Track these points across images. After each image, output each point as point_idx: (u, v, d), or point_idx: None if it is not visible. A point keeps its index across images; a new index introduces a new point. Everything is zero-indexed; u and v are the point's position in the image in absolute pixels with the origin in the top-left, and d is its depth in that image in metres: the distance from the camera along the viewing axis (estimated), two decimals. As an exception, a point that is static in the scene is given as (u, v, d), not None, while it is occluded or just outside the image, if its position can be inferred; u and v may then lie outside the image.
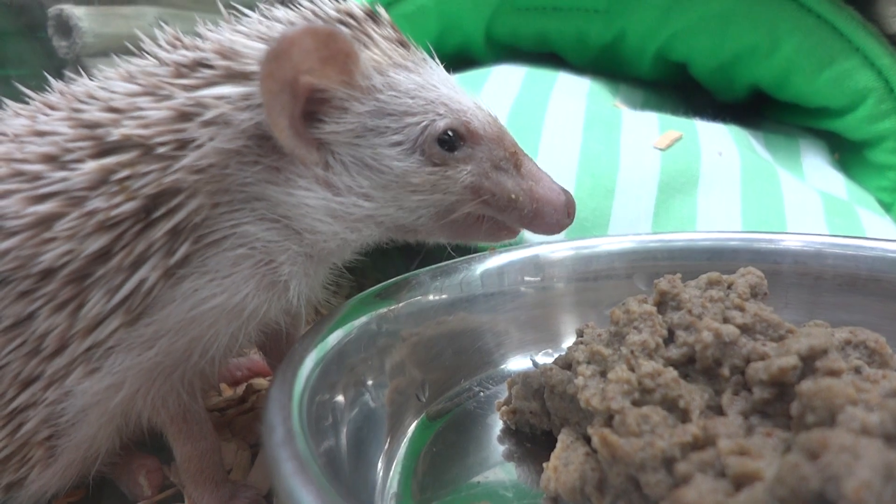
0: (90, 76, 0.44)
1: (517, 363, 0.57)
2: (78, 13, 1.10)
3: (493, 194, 0.42)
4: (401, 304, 0.52)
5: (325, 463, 0.36)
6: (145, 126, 0.37)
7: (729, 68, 0.91)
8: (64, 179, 0.37)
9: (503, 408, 0.50)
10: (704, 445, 0.34)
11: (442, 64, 0.45)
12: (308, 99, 0.38)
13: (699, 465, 0.33)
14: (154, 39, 0.42)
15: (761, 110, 1.03)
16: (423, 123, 0.40)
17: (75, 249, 0.37)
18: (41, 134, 0.40)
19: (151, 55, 0.41)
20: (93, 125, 0.38)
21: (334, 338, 0.45)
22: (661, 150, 0.74)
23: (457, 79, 0.49)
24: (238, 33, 0.40)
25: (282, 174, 0.39)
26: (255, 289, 0.40)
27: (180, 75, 0.39)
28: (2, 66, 1.22)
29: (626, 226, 0.69)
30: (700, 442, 0.34)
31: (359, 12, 0.41)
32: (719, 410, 0.39)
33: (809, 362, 0.37)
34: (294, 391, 0.38)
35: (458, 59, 0.98)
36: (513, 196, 0.42)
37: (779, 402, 0.37)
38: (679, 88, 1.04)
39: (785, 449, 0.34)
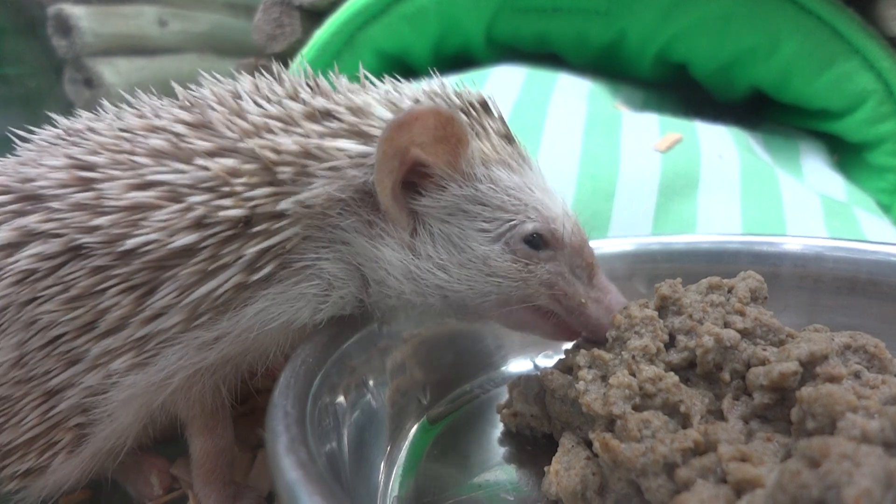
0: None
1: (518, 365, 0.58)
2: (77, 12, 1.10)
3: (566, 294, 0.44)
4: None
5: (327, 465, 0.36)
6: (274, 150, 0.40)
7: (729, 69, 0.91)
8: (176, 172, 0.39)
9: (504, 410, 0.50)
10: (705, 451, 0.34)
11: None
12: (411, 170, 0.41)
13: (700, 471, 0.33)
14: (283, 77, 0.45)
15: (761, 111, 1.04)
16: (513, 222, 0.42)
17: (163, 240, 0.39)
18: (156, 129, 0.42)
19: (290, 92, 0.44)
20: (216, 130, 0.41)
21: (336, 340, 0.45)
22: (661, 152, 0.74)
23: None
24: (370, 96, 0.43)
25: (374, 229, 0.42)
26: (308, 313, 0.43)
27: (313, 119, 0.42)
28: (0, 65, 1.22)
29: (626, 228, 0.69)
30: (701, 447, 0.34)
31: (478, 104, 0.44)
32: (720, 415, 0.39)
33: (810, 368, 0.37)
34: (297, 396, 0.38)
35: (458, 60, 0.98)
36: (582, 300, 0.45)
37: (779, 407, 0.37)
38: (679, 89, 1.04)
39: (785, 454, 0.34)
